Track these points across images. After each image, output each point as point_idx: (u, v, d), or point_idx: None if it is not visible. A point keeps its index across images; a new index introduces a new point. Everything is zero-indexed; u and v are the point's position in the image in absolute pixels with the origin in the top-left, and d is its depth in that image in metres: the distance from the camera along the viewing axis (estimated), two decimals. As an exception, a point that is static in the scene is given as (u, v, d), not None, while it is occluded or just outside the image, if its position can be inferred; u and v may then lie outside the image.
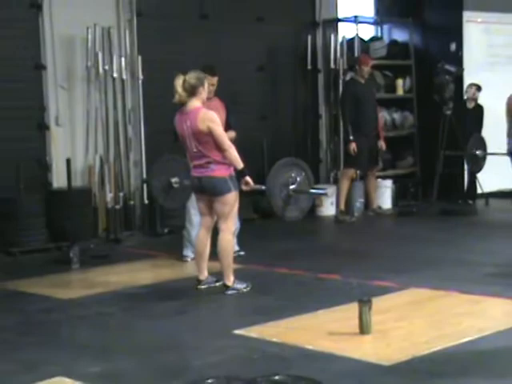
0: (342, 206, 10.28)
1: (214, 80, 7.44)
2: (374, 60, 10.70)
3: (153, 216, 9.21)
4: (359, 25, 11.32)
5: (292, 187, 6.24)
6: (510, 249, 7.89)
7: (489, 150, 10.30)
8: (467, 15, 11.56)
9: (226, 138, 6.22)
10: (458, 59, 11.34)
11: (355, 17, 11.29)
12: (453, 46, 11.52)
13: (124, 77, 9.19)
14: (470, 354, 4.77)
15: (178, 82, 6.19)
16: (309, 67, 10.85)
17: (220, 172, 6.21)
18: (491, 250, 8.07)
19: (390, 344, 4.99)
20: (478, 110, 10.75)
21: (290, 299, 6.17)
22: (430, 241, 8.67)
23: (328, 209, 10.57)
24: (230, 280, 6.32)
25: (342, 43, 11.07)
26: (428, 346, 4.85)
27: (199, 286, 6.41)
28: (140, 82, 9.25)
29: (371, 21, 12.08)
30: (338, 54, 10.98)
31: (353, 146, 9.93)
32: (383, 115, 11.32)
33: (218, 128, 6.18)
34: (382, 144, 10.33)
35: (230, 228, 6.36)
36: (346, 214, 10.30)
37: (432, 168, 10.64)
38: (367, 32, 11.97)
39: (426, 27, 11.78)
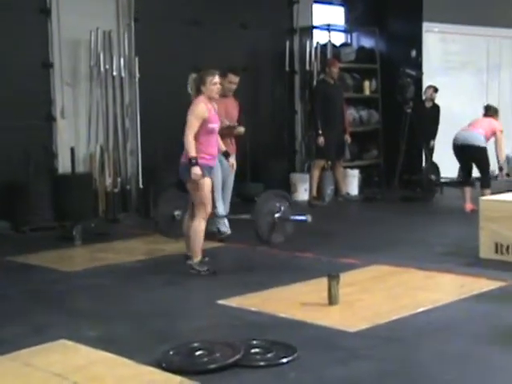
0: (314, 192, 10.31)
1: (236, 79, 7.43)
2: (342, 63, 10.73)
3: (147, 199, 9.17)
4: (331, 32, 11.32)
5: (277, 215, 6.17)
6: (459, 231, 7.91)
7: (444, 145, 10.31)
8: (426, 26, 11.57)
9: (190, 128, 6.00)
10: (417, 64, 11.34)
11: (328, 25, 11.29)
12: (413, 53, 11.52)
13: (123, 75, 9.13)
14: (424, 322, 4.79)
15: (190, 81, 6.21)
16: (287, 69, 10.82)
17: (185, 159, 6.09)
18: (444, 232, 8.10)
19: (355, 313, 5.00)
20: (435, 109, 10.77)
21: (268, 274, 6.15)
22: (392, 224, 8.70)
23: (302, 194, 10.57)
24: (194, 261, 6.19)
25: (316, 48, 11.05)
26: (388, 315, 4.87)
27: (187, 261, 6.38)
28: (137, 79, 9.18)
29: (342, 29, 12.06)
30: (313, 57, 10.97)
31: (321, 139, 9.95)
32: (351, 113, 11.32)
33: (191, 118, 6.03)
34: (347, 138, 10.36)
35: (200, 214, 6.12)
36: (318, 199, 10.32)
37: (394, 159, 10.64)
38: (338, 39, 11.93)
39: (390, 36, 11.77)
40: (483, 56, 12.49)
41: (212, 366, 3.90)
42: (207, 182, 6.10)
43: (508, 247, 6.38)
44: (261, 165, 10.44)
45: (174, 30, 9.51)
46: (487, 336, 4.50)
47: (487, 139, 8.92)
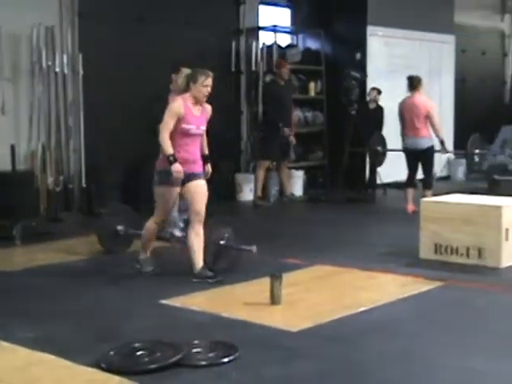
0: (259, 193, 10.33)
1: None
2: (290, 64, 10.78)
3: (90, 198, 9.06)
4: (277, 33, 11.35)
5: (222, 242, 6.13)
6: (401, 232, 8.01)
7: (388, 146, 10.45)
8: (371, 29, 11.72)
9: (164, 126, 5.67)
10: (362, 67, 11.48)
11: (274, 26, 11.33)
12: (358, 55, 11.66)
13: (65, 72, 8.98)
14: (366, 321, 4.85)
15: (180, 77, 5.93)
16: (233, 69, 10.83)
17: (158, 162, 5.87)
18: (386, 232, 8.20)
19: (297, 313, 5.02)
20: (379, 111, 10.91)
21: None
22: (335, 224, 8.77)
23: (247, 194, 10.59)
24: (140, 257, 6.17)
25: (262, 49, 11.07)
26: (330, 315, 4.90)
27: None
28: (80, 76, 9.05)
29: (288, 30, 12.11)
30: (259, 58, 10.99)
31: (291, 137, 10.09)
32: (297, 113, 11.39)
33: (165, 116, 5.70)
34: (292, 138, 10.42)
35: (155, 217, 6.02)
36: (263, 199, 10.35)
37: (339, 161, 10.74)
38: (284, 40, 11.98)
39: (335, 38, 11.88)
40: (425, 60, 12.72)
41: (152, 366, 3.87)
42: (165, 190, 5.85)
43: (447, 248, 6.50)
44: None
45: (119, 27, 9.41)
46: (427, 335, 4.57)
47: (429, 134, 9.07)
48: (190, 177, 5.83)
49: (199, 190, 5.89)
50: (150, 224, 6.08)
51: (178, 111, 5.72)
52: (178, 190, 5.87)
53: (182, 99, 5.77)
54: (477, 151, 10.30)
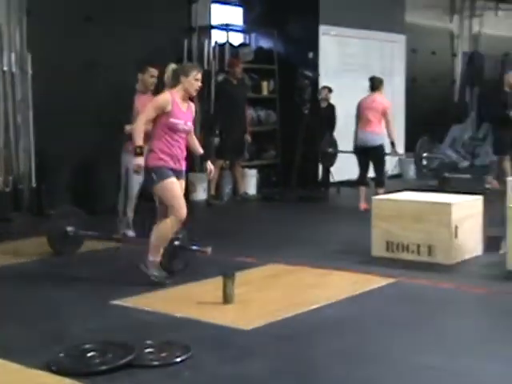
0: (213, 192, 10.33)
1: (156, 73, 7.27)
2: (242, 63, 10.79)
3: (40, 198, 8.93)
4: (230, 32, 11.35)
5: (177, 243, 6.10)
6: (354, 230, 8.08)
7: (341, 145, 10.54)
8: (323, 29, 11.79)
9: (143, 114, 5.61)
10: (314, 66, 11.54)
11: (226, 25, 11.32)
12: (310, 55, 11.71)
13: (14, 70, 8.84)
14: (318, 318, 4.88)
15: (167, 72, 5.74)
16: (185, 68, 10.78)
17: (147, 161, 5.64)
18: (339, 231, 8.27)
19: (250, 311, 5.03)
20: (330, 109, 11.00)
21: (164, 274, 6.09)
22: (289, 223, 8.80)
23: (201, 194, 10.57)
24: (149, 258, 5.75)
25: (214, 48, 11.06)
26: (282, 313, 4.92)
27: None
28: (29, 75, 8.91)
29: (240, 29, 12.12)
30: (211, 57, 10.97)
31: (216, 139, 10.13)
32: (250, 112, 11.40)
33: (148, 106, 5.63)
34: (248, 137, 10.46)
35: (174, 215, 5.66)
36: (217, 198, 10.34)
37: (292, 159, 10.78)
38: (237, 39, 11.99)
39: (287, 37, 11.91)
40: (377, 59, 12.85)
41: (104, 368, 3.84)
42: (168, 184, 5.62)
43: (398, 245, 6.59)
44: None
45: (68, 26, 9.28)
46: (379, 331, 4.62)
47: (382, 131, 9.20)
48: (178, 174, 5.73)
49: (182, 189, 5.82)
50: (166, 224, 5.69)
51: (164, 104, 5.57)
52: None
53: (170, 94, 5.63)
54: (425, 155, 10.45)
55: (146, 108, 5.71)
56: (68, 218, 6.80)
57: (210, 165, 6.00)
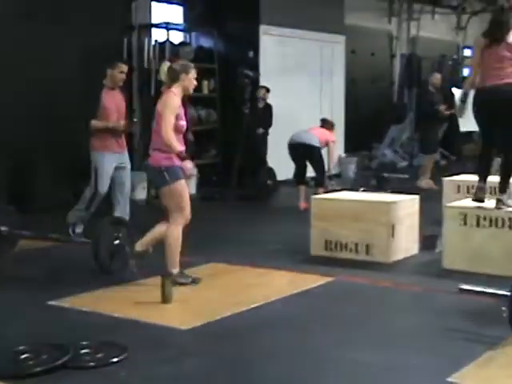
0: (153, 191, 10.25)
1: (126, 69, 7.25)
2: (182, 61, 10.73)
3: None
4: (170, 31, 11.28)
5: (116, 242, 6.03)
6: (293, 229, 8.11)
7: (280, 146, 10.59)
8: (263, 28, 11.84)
9: (169, 124, 5.39)
10: (255, 65, 11.57)
11: (167, 23, 11.25)
12: (251, 54, 11.74)
13: None
14: (257, 317, 4.90)
15: (163, 69, 5.70)
16: (125, 66, 10.69)
17: (157, 162, 5.53)
18: (278, 230, 8.30)
19: (188, 311, 5.03)
20: (267, 109, 11.07)
21: (104, 272, 6.01)
22: (228, 222, 8.80)
23: (140, 193, 10.48)
24: (172, 272, 5.63)
25: (154, 46, 10.99)
26: (221, 312, 4.93)
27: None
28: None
29: (181, 28, 12.06)
30: (151, 55, 10.90)
31: (189, 135, 10.13)
32: (190, 111, 11.35)
33: (167, 112, 5.41)
34: (190, 136, 10.41)
35: (177, 220, 5.65)
36: (157, 198, 10.25)
37: (232, 159, 10.77)
38: (177, 37, 11.93)
39: (228, 36, 11.91)
40: (317, 60, 12.97)
41: (38, 369, 3.78)
42: (180, 185, 5.57)
43: (336, 244, 6.66)
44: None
45: (7, 24, 9.08)
46: (317, 329, 4.67)
47: (321, 143, 9.34)
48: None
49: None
50: (175, 229, 5.63)
51: (177, 108, 5.51)
52: None
53: (176, 95, 5.54)
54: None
55: (165, 116, 5.43)
56: (1, 216, 6.65)
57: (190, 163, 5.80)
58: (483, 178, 6.18)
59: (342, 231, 6.63)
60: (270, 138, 11.29)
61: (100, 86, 7.38)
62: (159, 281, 5.16)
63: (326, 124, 9.75)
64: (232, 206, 10.11)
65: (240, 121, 10.64)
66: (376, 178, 11.57)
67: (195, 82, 5.75)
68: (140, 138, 11.09)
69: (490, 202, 6.23)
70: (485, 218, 6.05)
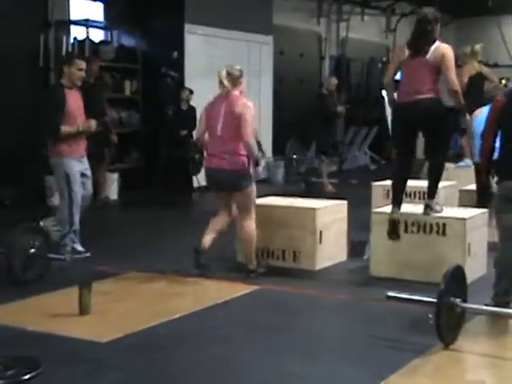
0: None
1: (84, 65, 7.03)
2: (101, 61, 10.65)
3: None
4: (90, 28, 11.14)
5: (32, 251, 5.92)
6: (220, 235, 8.07)
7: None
8: (189, 27, 11.81)
9: (250, 130, 6.00)
10: (179, 66, 11.54)
11: (86, 20, 11.10)
12: (175, 54, 11.68)
13: None
14: (179, 328, 4.89)
15: (223, 75, 6.05)
16: (41, 65, 10.50)
17: (242, 164, 6.07)
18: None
19: (107, 323, 4.97)
20: (191, 111, 11.06)
21: (17, 283, 5.88)
22: (151, 229, 8.72)
23: (57, 199, 10.29)
24: (251, 268, 6.28)
25: (73, 44, 10.83)
26: (141, 324, 4.90)
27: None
28: None
29: (101, 25, 11.93)
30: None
31: (113, 137, 10.03)
32: (111, 113, 11.23)
33: (249, 118, 5.97)
34: (114, 138, 10.28)
35: (251, 216, 6.27)
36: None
37: (155, 163, 10.73)
38: (97, 35, 11.80)
39: (151, 35, 11.83)
40: (244, 61, 12.99)
41: None
42: (254, 188, 6.28)
43: (263, 251, 6.67)
44: (13, 166, 10.00)
45: None
46: (243, 339, 4.68)
47: None
48: None
49: None
50: (253, 225, 6.26)
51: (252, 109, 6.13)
52: None
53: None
54: (294, 157, 10.76)
55: (247, 121, 5.98)
56: None
57: None
58: (397, 205, 6.20)
59: (269, 238, 6.67)
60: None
61: (16, 83, 7.18)
62: (77, 291, 5.07)
63: None
64: (155, 211, 10.04)
65: (163, 123, 10.60)
66: (304, 183, 11.71)
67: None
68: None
69: (418, 207, 6.38)
70: (413, 224, 6.19)
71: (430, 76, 5.98)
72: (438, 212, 6.20)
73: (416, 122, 6.06)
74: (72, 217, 6.91)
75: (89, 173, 7.18)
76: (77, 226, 6.99)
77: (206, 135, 6.31)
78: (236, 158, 6.04)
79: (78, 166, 6.95)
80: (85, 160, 7.09)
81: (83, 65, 7.03)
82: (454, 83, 5.97)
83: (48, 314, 5.12)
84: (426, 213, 6.20)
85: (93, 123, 7.03)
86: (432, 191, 6.28)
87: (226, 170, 6.06)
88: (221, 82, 6.11)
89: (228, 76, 6.09)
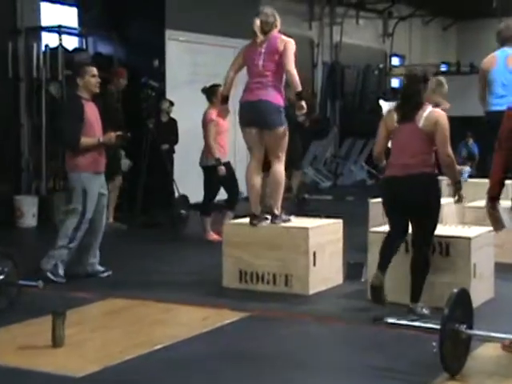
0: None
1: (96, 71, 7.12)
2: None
3: None
4: (63, 35, 11.14)
5: (1, 277, 5.89)
6: (202, 258, 8.12)
7: (187, 159, 10.58)
8: (170, 34, 11.83)
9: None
10: (160, 75, 11.55)
11: (59, 26, 11.10)
12: (156, 62, 11.69)
13: None
14: (161, 360, 4.86)
15: (257, 25, 6.83)
16: (10, 75, 10.51)
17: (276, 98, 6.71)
18: (186, 259, 8.27)
19: (83, 355, 4.94)
20: (172, 123, 11.07)
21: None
22: (131, 252, 8.71)
23: (29, 220, 10.30)
24: (277, 212, 6.71)
25: (45, 52, 10.83)
26: (121, 356, 4.87)
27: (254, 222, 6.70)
28: None
29: (75, 32, 11.93)
30: (41, 63, 10.73)
31: None
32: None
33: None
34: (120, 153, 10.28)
35: (282, 159, 6.76)
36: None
37: (136, 180, 10.67)
38: (71, 43, 11.80)
39: (130, 42, 11.83)
40: (230, 68, 13.01)
41: None
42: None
43: (252, 275, 6.66)
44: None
45: None
46: (230, 371, 4.66)
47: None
48: None
49: None
50: (282, 171, 6.82)
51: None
52: None
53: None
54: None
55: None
56: None
57: None
58: (383, 268, 5.74)
59: (258, 261, 6.65)
60: (177, 156, 11.28)
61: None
62: (50, 321, 5.04)
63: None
64: (135, 232, 10.02)
65: (143, 136, 10.57)
66: (296, 200, 11.68)
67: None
68: (29, 157, 10.92)
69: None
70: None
71: (422, 146, 5.68)
72: (424, 315, 5.59)
73: (409, 201, 5.69)
74: (76, 232, 7.00)
75: (105, 191, 7.28)
76: (75, 244, 7.07)
77: None
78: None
79: (96, 183, 7.03)
80: (102, 176, 7.19)
81: (95, 70, 7.14)
82: (449, 156, 5.68)
83: (18, 346, 5.09)
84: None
85: (113, 136, 7.12)
86: (416, 294, 5.72)
87: (262, 100, 6.68)
88: (255, 33, 6.89)
89: (261, 25, 6.85)
